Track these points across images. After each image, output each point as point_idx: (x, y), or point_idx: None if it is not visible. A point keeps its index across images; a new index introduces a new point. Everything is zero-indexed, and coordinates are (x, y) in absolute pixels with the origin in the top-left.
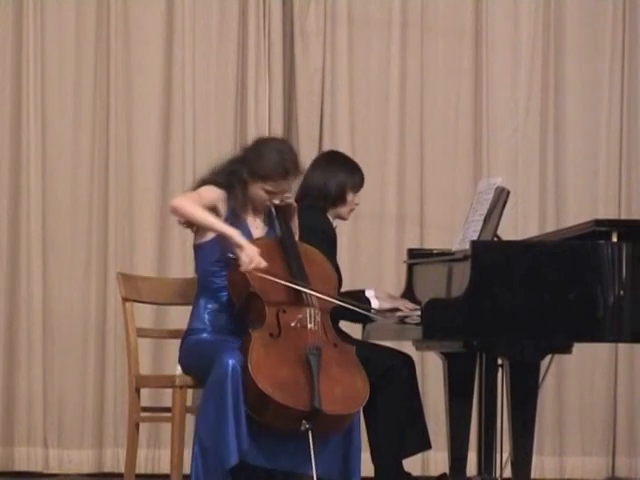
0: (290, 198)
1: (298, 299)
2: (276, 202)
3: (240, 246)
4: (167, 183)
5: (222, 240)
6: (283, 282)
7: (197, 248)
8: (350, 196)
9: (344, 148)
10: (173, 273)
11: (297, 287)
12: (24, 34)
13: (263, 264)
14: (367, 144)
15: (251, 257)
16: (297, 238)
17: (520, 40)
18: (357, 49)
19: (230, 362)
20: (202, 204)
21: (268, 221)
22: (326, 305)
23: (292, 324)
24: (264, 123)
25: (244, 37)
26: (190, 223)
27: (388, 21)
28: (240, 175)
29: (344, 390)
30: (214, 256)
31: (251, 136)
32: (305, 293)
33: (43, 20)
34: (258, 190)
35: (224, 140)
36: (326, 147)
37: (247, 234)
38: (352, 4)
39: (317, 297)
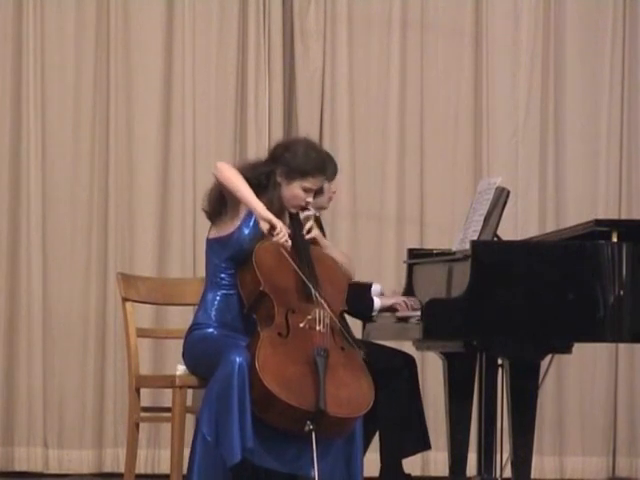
0: (311, 211)
1: (308, 300)
2: (310, 201)
3: (269, 220)
4: (167, 183)
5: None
6: (298, 270)
7: (211, 242)
8: (326, 185)
9: (344, 148)
10: (173, 273)
11: (306, 282)
12: (24, 34)
13: (289, 243)
14: (367, 144)
15: (284, 232)
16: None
17: (520, 40)
18: (357, 49)
19: (237, 360)
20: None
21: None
22: (335, 307)
23: (301, 325)
24: (264, 123)
25: (244, 37)
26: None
27: (388, 21)
28: (273, 176)
29: (349, 393)
30: (227, 252)
31: (251, 136)
32: (315, 295)
33: (43, 20)
34: (295, 189)
35: (224, 140)
36: (326, 147)
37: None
38: (352, 4)
39: (326, 299)
